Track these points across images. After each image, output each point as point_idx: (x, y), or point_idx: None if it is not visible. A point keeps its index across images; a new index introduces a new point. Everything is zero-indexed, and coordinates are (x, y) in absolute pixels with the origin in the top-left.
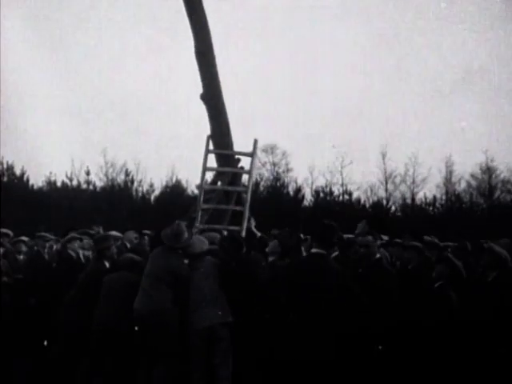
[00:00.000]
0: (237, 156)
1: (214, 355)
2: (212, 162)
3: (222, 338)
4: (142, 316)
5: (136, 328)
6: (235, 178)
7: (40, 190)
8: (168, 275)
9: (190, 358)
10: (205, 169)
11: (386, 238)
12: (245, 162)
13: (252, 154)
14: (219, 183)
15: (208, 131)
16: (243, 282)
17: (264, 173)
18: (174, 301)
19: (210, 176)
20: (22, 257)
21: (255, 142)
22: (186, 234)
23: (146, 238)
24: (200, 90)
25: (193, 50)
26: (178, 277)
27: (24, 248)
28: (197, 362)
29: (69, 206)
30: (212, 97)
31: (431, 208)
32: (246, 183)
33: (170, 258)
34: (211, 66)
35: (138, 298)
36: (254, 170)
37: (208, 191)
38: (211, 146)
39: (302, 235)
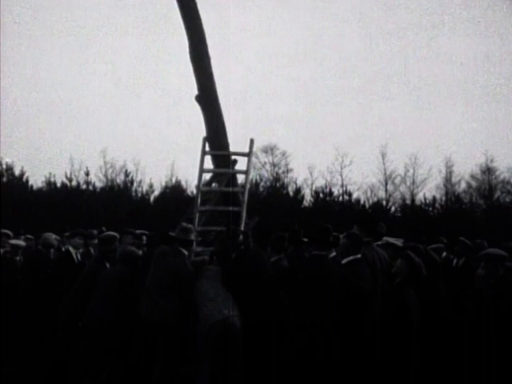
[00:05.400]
0: (233, 157)
1: (225, 354)
2: (209, 163)
3: (235, 334)
4: (150, 324)
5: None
6: (232, 179)
7: (39, 190)
8: (174, 280)
9: (198, 357)
10: (201, 170)
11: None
12: (242, 163)
13: (248, 154)
14: (213, 184)
15: (205, 132)
16: (246, 272)
17: (264, 173)
18: (181, 305)
19: (208, 177)
20: (18, 257)
21: (251, 141)
22: (194, 234)
23: (144, 237)
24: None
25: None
26: (183, 280)
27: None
28: (204, 361)
29: (68, 206)
30: (207, 98)
31: (431, 209)
32: (243, 183)
33: (175, 260)
34: (206, 67)
35: (145, 305)
36: (251, 170)
37: (205, 192)
38: (207, 148)
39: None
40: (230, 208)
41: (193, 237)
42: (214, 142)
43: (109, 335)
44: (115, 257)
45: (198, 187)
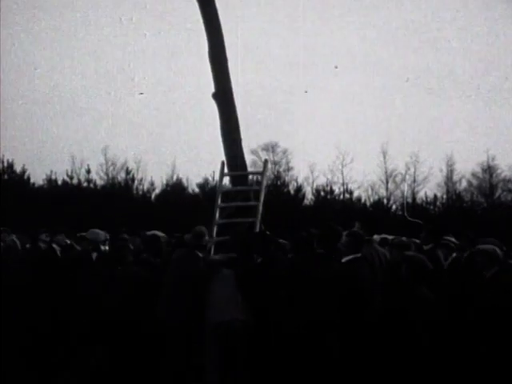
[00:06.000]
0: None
1: (231, 353)
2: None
3: (240, 335)
4: (167, 325)
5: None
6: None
7: (41, 188)
8: (190, 283)
9: (205, 355)
10: (220, 190)
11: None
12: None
13: (262, 173)
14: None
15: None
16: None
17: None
18: (194, 306)
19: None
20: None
21: (265, 161)
22: (206, 236)
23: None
24: (201, 90)
25: (191, 51)
26: (196, 282)
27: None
28: (212, 359)
29: (69, 204)
30: (223, 96)
31: (432, 207)
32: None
33: (192, 264)
34: (224, 66)
35: (163, 305)
36: (264, 188)
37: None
38: (226, 170)
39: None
40: (245, 219)
41: (205, 241)
42: (231, 165)
43: (126, 334)
44: (127, 258)
45: (216, 205)
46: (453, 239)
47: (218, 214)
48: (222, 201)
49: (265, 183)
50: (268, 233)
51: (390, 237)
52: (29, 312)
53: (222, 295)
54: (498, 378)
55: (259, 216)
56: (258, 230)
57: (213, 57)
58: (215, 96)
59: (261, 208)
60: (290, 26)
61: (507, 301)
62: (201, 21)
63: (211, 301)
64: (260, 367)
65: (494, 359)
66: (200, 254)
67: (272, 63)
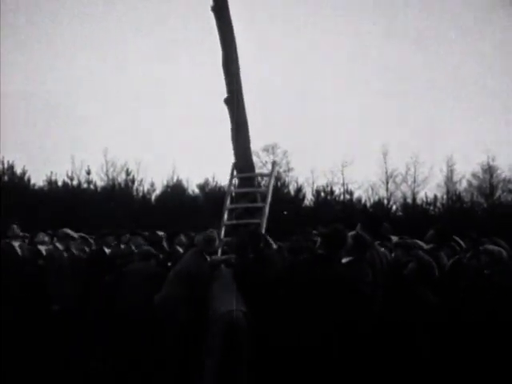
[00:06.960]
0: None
1: (230, 347)
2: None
3: (239, 328)
4: (155, 305)
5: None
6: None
7: (41, 189)
8: (187, 276)
9: (206, 348)
10: (229, 192)
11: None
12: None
13: (270, 175)
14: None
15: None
16: (257, 280)
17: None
18: (189, 299)
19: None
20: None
21: (274, 163)
22: (217, 241)
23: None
24: (202, 92)
25: (192, 54)
26: (196, 279)
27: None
28: (212, 352)
29: (69, 205)
30: (235, 101)
31: (432, 208)
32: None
33: (194, 261)
34: (236, 74)
35: (159, 301)
36: (271, 189)
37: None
38: (235, 172)
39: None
40: (251, 220)
41: (214, 247)
42: (241, 167)
43: (137, 324)
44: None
45: (224, 206)
46: (460, 241)
47: (226, 215)
48: (230, 202)
49: (272, 185)
50: (263, 232)
51: (395, 238)
52: (28, 312)
53: (224, 291)
54: (498, 379)
55: (265, 217)
56: (263, 230)
57: (226, 66)
58: (227, 101)
59: (267, 209)
60: (289, 26)
61: (504, 301)
62: (204, 27)
63: (213, 297)
64: (257, 363)
65: (493, 361)
66: (207, 257)
67: (273, 63)
